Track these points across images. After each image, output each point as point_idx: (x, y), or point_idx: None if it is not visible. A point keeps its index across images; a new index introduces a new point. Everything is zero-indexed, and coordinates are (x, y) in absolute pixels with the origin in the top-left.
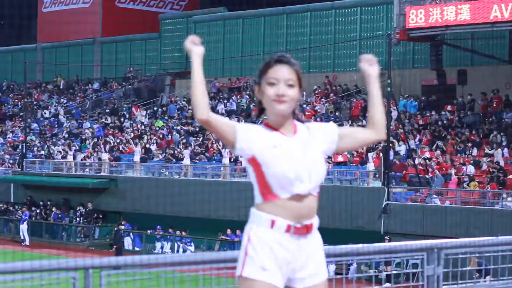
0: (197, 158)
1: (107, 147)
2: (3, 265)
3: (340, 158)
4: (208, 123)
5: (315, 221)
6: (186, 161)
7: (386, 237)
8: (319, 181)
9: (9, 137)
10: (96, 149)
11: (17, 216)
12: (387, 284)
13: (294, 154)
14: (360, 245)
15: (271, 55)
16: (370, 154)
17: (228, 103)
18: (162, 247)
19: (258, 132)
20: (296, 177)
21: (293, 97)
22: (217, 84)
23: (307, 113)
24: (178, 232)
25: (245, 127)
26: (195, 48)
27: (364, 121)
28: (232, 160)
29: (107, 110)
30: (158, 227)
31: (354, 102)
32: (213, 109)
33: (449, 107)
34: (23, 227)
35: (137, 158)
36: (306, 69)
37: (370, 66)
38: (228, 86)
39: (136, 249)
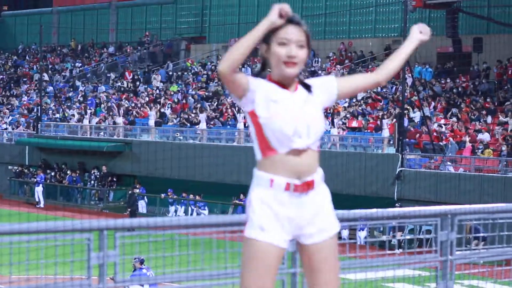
0: (212, 122)
1: (121, 110)
2: (18, 225)
3: (354, 124)
4: (229, 77)
5: (316, 176)
6: (202, 125)
7: (396, 204)
8: (317, 136)
9: (24, 100)
10: (111, 113)
11: (32, 178)
12: (398, 251)
13: (294, 109)
14: (373, 210)
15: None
16: (384, 121)
17: (242, 68)
18: (176, 211)
19: (263, 84)
20: (294, 132)
21: (303, 59)
22: (233, 41)
23: None
24: (191, 196)
25: (254, 79)
26: (273, 16)
27: (379, 88)
28: (246, 125)
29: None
30: (170, 190)
31: (370, 68)
32: None
33: (462, 78)
34: (38, 189)
35: (151, 122)
36: (322, 35)
37: (420, 33)
38: None
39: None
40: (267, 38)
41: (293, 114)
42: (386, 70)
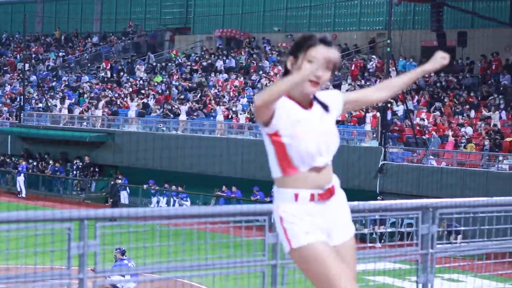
0: (195, 114)
1: (104, 101)
2: None
3: (338, 117)
4: (262, 109)
5: (335, 182)
6: (182, 116)
7: (378, 197)
8: (335, 151)
9: (7, 90)
10: (94, 104)
11: (14, 168)
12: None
13: (315, 128)
14: (355, 203)
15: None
16: (368, 115)
17: (227, 60)
18: (158, 202)
19: (284, 106)
20: (317, 151)
21: (325, 81)
22: (218, 32)
23: None
24: (174, 187)
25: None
26: (315, 69)
27: (362, 81)
28: (230, 117)
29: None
30: (151, 181)
31: (354, 61)
32: (212, 65)
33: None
34: (20, 179)
35: (132, 113)
36: (306, 28)
37: (440, 60)
38: (227, 36)
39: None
40: (295, 53)
41: (315, 133)
42: (394, 90)
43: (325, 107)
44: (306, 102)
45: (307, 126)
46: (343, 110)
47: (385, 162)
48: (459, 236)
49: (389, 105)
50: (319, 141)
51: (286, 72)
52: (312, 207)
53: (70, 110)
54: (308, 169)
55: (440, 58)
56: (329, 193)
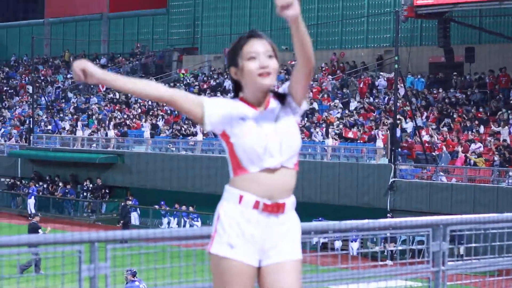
0: (205, 133)
1: (113, 123)
2: (8, 238)
3: (350, 135)
4: (172, 103)
5: (289, 201)
6: (199, 136)
7: (388, 215)
8: (292, 153)
9: (16, 112)
10: (103, 125)
11: (24, 190)
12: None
13: (264, 127)
14: (365, 221)
15: (278, 31)
16: (379, 132)
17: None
18: (168, 223)
19: (226, 105)
20: (265, 151)
21: (276, 68)
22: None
23: (314, 90)
24: (184, 208)
25: (213, 102)
26: (89, 69)
27: (371, 98)
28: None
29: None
30: (162, 202)
31: (362, 79)
32: (220, 85)
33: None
34: (31, 201)
35: (147, 134)
36: (314, 46)
37: (288, 10)
38: None
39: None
40: (234, 61)
41: (263, 131)
42: (296, 45)
43: (282, 98)
44: (260, 102)
45: (253, 124)
46: (296, 100)
47: (395, 179)
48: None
49: (398, 122)
50: (268, 140)
51: (236, 85)
52: (253, 216)
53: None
54: (258, 171)
55: (287, 14)
56: (277, 208)
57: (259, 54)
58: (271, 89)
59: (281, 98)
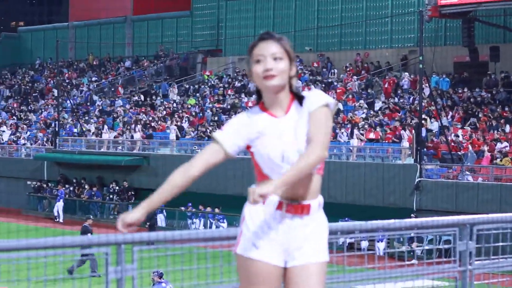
0: None
1: (139, 125)
2: (35, 241)
3: (371, 136)
4: (207, 168)
5: (314, 202)
6: None
7: (412, 215)
8: None
9: (42, 116)
10: (128, 127)
11: (52, 193)
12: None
13: (282, 136)
14: (391, 221)
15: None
16: (404, 132)
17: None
18: (194, 224)
19: (241, 128)
20: (283, 160)
21: (282, 70)
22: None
23: (338, 91)
24: (209, 209)
25: (227, 132)
26: (129, 221)
27: (396, 98)
28: None
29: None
30: (189, 204)
31: (387, 79)
32: (245, 86)
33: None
34: (59, 204)
35: (173, 136)
36: (338, 46)
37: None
38: None
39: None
40: (248, 64)
41: (281, 140)
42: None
43: (302, 106)
44: (280, 108)
45: (271, 135)
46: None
47: (421, 179)
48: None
49: (423, 121)
50: (286, 148)
51: (258, 92)
52: (278, 216)
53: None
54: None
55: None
56: (301, 209)
57: (265, 57)
58: (294, 91)
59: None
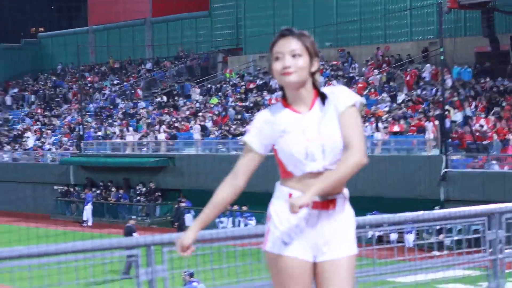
0: None
1: (163, 126)
2: (64, 245)
3: (396, 129)
4: (250, 175)
5: (340, 197)
6: None
7: (436, 207)
8: (336, 156)
9: (66, 120)
10: (152, 129)
11: (80, 196)
12: (445, 252)
13: (305, 132)
14: (420, 212)
15: (321, 29)
16: (428, 124)
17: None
18: (222, 223)
19: (264, 128)
20: (306, 157)
21: (301, 66)
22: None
23: (360, 85)
24: (235, 207)
25: (252, 133)
26: (186, 242)
27: (418, 91)
28: None
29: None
30: None
31: (408, 71)
32: (267, 84)
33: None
34: (88, 207)
35: (197, 135)
36: (358, 41)
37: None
38: None
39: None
40: (269, 61)
41: (304, 137)
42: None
43: (326, 101)
44: (303, 103)
45: (294, 133)
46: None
47: (448, 170)
48: None
49: (446, 112)
50: (309, 145)
51: (281, 86)
52: (303, 213)
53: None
54: (302, 175)
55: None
56: (326, 204)
57: (284, 54)
58: (317, 87)
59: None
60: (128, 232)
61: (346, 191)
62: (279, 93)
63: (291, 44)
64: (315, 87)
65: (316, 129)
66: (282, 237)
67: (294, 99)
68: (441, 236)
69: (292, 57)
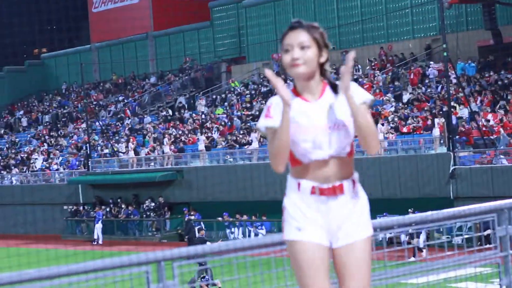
0: (261, 141)
1: (170, 139)
2: (75, 266)
3: (404, 130)
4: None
5: (347, 182)
6: (255, 144)
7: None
8: (343, 145)
9: (72, 139)
10: (159, 143)
11: (90, 215)
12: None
13: (314, 120)
14: (428, 213)
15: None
16: (435, 121)
17: (285, 84)
18: (233, 233)
19: (277, 105)
20: (314, 145)
21: (309, 58)
22: (276, 56)
23: (365, 86)
24: (245, 217)
25: (271, 114)
26: (286, 96)
27: (423, 88)
28: (262, 142)
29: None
30: (225, 214)
31: (412, 70)
32: (271, 91)
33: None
34: (98, 226)
35: (201, 147)
36: (360, 42)
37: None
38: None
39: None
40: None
41: (312, 125)
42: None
43: (336, 88)
44: (313, 93)
45: (302, 120)
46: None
47: (456, 167)
48: None
49: (452, 109)
50: (317, 133)
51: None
52: (312, 201)
53: (136, 152)
54: (309, 162)
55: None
56: (333, 190)
57: (292, 46)
58: (327, 77)
59: (335, 88)
60: (201, 242)
61: (356, 175)
62: None
63: (300, 36)
64: (325, 77)
65: (325, 118)
66: (297, 224)
67: (303, 89)
68: (448, 236)
69: (300, 49)
